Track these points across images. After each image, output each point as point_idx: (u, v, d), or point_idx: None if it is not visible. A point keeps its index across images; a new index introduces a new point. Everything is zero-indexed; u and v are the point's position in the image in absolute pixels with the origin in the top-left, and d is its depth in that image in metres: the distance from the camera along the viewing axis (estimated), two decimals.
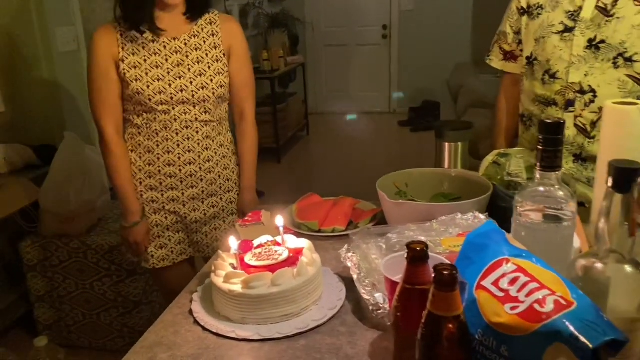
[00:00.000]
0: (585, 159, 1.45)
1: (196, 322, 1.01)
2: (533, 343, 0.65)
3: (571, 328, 0.62)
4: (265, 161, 5.37)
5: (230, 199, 1.76)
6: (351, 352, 0.90)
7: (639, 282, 0.70)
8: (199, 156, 1.63)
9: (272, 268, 1.01)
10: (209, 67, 1.59)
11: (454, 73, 5.54)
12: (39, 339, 2.13)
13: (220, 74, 1.61)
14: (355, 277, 1.02)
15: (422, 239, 1.12)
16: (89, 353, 2.50)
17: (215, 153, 1.67)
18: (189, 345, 0.95)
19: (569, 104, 1.48)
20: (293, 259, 1.04)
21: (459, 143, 1.43)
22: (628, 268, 0.70)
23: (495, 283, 0.72)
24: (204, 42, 1.60)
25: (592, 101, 1.45)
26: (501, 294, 0.71)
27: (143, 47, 1.55)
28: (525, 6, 1.60)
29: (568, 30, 1.47)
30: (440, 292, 0.66)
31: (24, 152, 2.69)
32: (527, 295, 0.68)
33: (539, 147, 0.77)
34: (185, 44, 1.59)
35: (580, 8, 1.45)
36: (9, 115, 2.84)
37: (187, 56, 1.58)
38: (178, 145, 1.60)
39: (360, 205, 1.44)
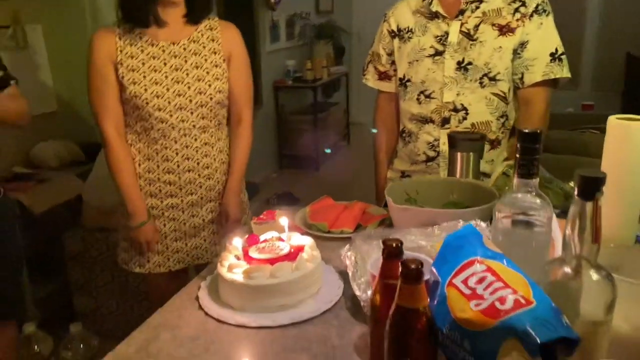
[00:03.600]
0: (550, 188, 1.46)
1: (200, 307, 1.09)
2: (491, 338, 0.68)
3: (525, 324, 0.66)
4: (303, 169, 5.46)
5: (222, 200, 1.73)
6: (338, 343, 0.95)
7: (604, 287, 0.73)
8: (198, 163, 1.63)
9: (272, 261, 1.08)
10: (207, 73, 1.59)
11: None
12: (74, 325, 2.27)
13: (219, 80, 1.61)
14: (350, 274, 1.07)
15: (423, 243, 1.17)
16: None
17: (215, 159, 1.67)
18: (190, 327, 1.03)
19: (445, 121, 1.61)
20: (293, 254, 1.11)
21: (471, 153, 1.45)
22: (593, 273, 0.73)
23: (465, 281, 0.76)
24: (204, 47, 1.61)
25: (464, 118, 1.59)
26: (468, 292, 0.75)
27: (142, 51, 1.55)
28: (395, 29, 1.70)
29: (439, 53, 1.60)
30: (407, 285, 0.70)
31: (72, 149, 2.88)
32: (491, 294, 0.72)
33: (517, 155, 0.81)
34: (184, 48, 1.59)
35: (447, 33, 1.58)
36: (61, 114, 3.04)
37: (185, 61, 1.58)
38: (177, 153, 1.60)
39: (370, 210, 1.48)
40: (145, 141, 1.61)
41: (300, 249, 1.13)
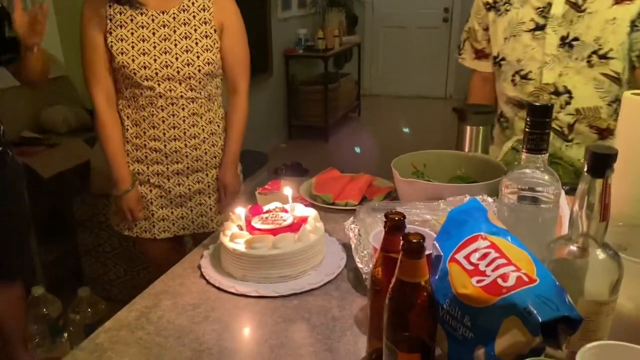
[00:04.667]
0: (560, 164, 1.39)
1: (202, 275, 1.09)
2: (492, 315, 0.67)
3: (526, 302, 0.64)
4: (312, 140, 5.44)
5: (216, 175, 1.74)
6: (338, 315, 0.95)
7: (610, 266, 0.71)
8: (185, 133, 1.62)
9: (274, 231, 1.07)
10: (196, 44, 1.57)
11: None
12: (82, 289, 2.31)
13: (209, 51, 1.58)
14: (353, 246, 1.06)
15: (428, 217, 1.15)
16: None
17: (203, 130, 1.65)
18: (192, 295, 1.03)
19: None
20: (296, 225, 1.10)
21: (481, 127, 1.42)
22: (600, 252, 0.71)
23: (467, 257, 0.75)
24: (194, 16, 1.57)
25: (568, 103, 1.41)
26: (471, 267, 0.73)
27: (131, 20, 1.54)
28: (490, 0, 1.53)
29: (539, 28, 1.41)
30: (408, 259, 0.69)
31: (80, 114, 2.88)
32: (494, 270, 0.71)
33: (525, 129, 0.79)
34: (174, 18, 1.56)
35: (550, 4, 1.40)
36: (69, 78, 3.03)
37: (174, 31, 1.55)
38: (163, 122, 1.60)
39: (377, 183, 1.47)
40: (134, 107, 1.61)
41: (303, 220, 1.12)
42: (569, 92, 1.40)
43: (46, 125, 2.83)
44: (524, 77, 1.45)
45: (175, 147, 1.63)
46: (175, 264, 1.16)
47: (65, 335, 2.39)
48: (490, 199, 1.18)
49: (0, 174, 1.77)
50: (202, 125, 1.65)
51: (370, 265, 1.03)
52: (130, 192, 1.64)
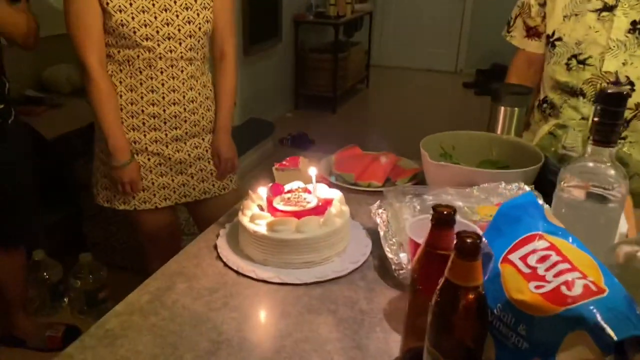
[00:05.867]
0: None
1: (219, 257, 1.02)
2: (554, 326, 0.61)
3: (597, 316, 0.57)
4: (319, 110, 5.33)
5: (212, 140, 1.70)
6: (366, 308, 0.89)
7: None
8: (184, 96, 1.56)
9: (298, 214, 1.00)
10: (195, 1, 1.52)
11: None
12: (84, 255, 2.25)
13: (206, 9, 1.54)
14: (382, 234, 0.99)
15: (460, 204, 1.07)
16: (129, 274, 2.62)
17: (199, 94, 1.61)
18: (208, 278, 0.96)
19: None
20: (321, 208, 1.03)
21: (516, 108, 1.34)
22: None
23: (524, 258, 0.67)
24: None
25: (628, 95, 1.26)
26: (528, 271, 0.66)
27: None
28: None
29: (608, 8, 1.26)
30: (461, 260, 0.62)
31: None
32: (556, 276, 0.63)
33: (594, 118, 0.70)
34: None
35: None
36: None
37: None
38: (163, 85, 1.53)
39: (401, 163, 1.39)
40: (128, 72, 1.51)
41: (328, 202, 1.04)
42: (631, 83, 1.26)
43: (49, 85, 2.73)
44: (582, 62, 1.30)
45: (175, 112, 1.57)
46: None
47: (66, 300, 2.35)
48: (527, 188, 1.10)
49: (4, 133, 1.69)
50: (199, 89, 1.61)
51: (401, 255, 0.97)
52: (132, 162, 1.56)
